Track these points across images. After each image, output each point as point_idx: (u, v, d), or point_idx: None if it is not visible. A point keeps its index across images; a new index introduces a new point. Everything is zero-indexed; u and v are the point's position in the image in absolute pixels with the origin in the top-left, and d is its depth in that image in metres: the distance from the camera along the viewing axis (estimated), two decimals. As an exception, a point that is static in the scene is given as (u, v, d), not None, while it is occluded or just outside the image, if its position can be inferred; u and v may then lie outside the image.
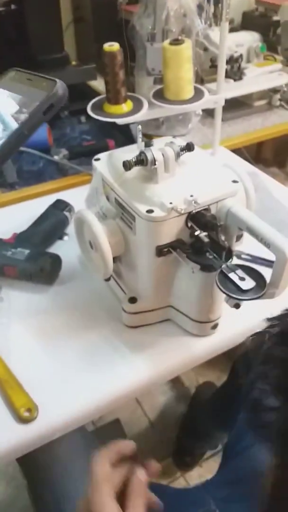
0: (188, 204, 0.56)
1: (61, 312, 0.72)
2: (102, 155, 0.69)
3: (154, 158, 0.58)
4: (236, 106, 1.31)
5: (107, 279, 0.70)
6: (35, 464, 0.75)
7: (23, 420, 0.57)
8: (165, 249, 0.59)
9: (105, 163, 0.67)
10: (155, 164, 0.58)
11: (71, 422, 0.59)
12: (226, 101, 0.92)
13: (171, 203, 0.55)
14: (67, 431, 0.60)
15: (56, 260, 0.75)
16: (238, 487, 0.63)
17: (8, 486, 1.27)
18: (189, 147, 0.60)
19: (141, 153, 0.58)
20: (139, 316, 0.67)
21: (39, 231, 0.81)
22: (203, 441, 1.16)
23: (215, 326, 0.66)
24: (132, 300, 0.66)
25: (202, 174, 0.62)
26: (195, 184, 0.59)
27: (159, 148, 0.59)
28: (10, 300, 0.73)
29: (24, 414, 0.57)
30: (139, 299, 0.66)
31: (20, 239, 0.78)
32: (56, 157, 1.06)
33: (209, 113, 1.25)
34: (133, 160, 0.58)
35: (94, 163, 0.68)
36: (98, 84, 1.32)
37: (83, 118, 1.28)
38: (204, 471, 1.28)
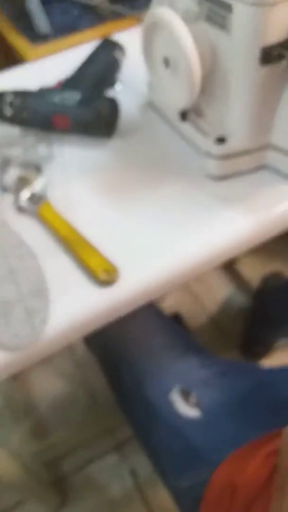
0: None
1: (126, 167, 0.58)
2: None
3: None
4: None
5: (184, 117, 0.55)
6: (107, 344, 0.67)
7: (102, 283, 0.46)
8: (275, 53, 0.43)
9: None
10: None
11: (155, 287, 0.49)
12: None
13: None
14: (150, 298, 0.49)
15: (114, 104, 0.60)
16: None
17: (67, 383, 1.25)
18: None
19: None
20: (229, 162, 0.53)
21: (88, 74, 0.65)
22: (277, 329, 1.08)
23: None
24: (220, 140, 0.52)
25: None
26: None
27: None
28: (64, 157, 0.60)
29: (102, 276, 0.46)
30: (229, 137, 0.51)
31: (67, 85, 0.63)
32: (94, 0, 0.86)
33: None
34: None
35: None
36: None
37: None
38: (273, 361, 1.21)
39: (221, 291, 1.36)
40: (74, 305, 0.46)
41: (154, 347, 0.63)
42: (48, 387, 1.25)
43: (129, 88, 0.67)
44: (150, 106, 0.64)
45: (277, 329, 1.09)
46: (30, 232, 0.51)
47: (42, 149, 0.60)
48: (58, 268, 0.48)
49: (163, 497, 1.08)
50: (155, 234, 0.51)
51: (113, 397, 0.69)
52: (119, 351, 0.65)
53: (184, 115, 0.54)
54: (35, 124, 0.60)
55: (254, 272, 1.35)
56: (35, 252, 0.48)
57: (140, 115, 0.64)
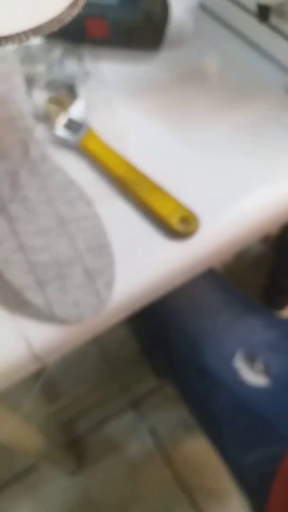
0: None
1: (184, 85, 0.46)
2: None
3: None
4: None
5: (265, 16, 0.42)
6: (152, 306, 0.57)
7: (178, 235, 0.36)
8: None
9: None
10: None
11: (240, 237, 0.39)
12: None
13: None
14: (234, 250, 0.40)
15: (165, 3, 0.46)
16: None
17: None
18: None
19: None
20: None
21: None
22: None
23: None
24: None
25: None
26: None
27: None
28: (103, 75, 0.47)
29: (178, 227, 0.36)
30: None
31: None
32: None
33: None
34: None
35: None
36: None
37: None
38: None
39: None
40: (143, 263, 0.36)
41: (210, 306, 0.54)
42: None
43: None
44: (204, 9, 0.51)
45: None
46: (74, 170, 0.39)
47: (72, 65, 0.47)
48: (118, 218, 0.37)
49: (185, 454, 1.05)
50: (235, 170, 0.40)
51: (128, 353, 0.60)
52: (167, 312, 0.55)
53: (265, 14, 0.41)
54: (63, 32, 0.47)
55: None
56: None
57: (191, 19, 0.51)
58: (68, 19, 0.26)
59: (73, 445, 1.09)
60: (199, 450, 1.02)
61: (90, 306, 0.33)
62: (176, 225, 0.36)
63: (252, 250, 1.26)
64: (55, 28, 0.26)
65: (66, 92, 0.45)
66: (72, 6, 0.26)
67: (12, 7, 0.25)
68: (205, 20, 0.50)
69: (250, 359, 0.52)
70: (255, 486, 0.52)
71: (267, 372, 0.51)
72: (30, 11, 0.25)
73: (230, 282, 1.20)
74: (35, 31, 0.25)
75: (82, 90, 0.45)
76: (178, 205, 0.37)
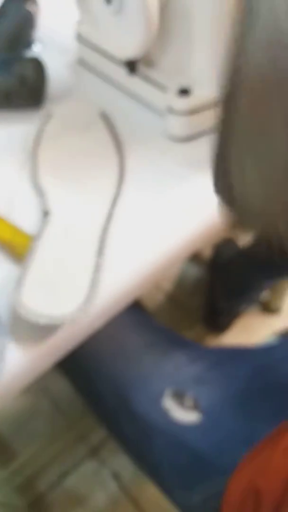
0: None
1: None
2: None
3: None
4: None
5: (132, 69, 0.44)
6: (76, 358, 0.55)
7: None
8: None
9: None
10: None
11: (142, 281, 0.39)
12: None
13: None
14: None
15: (39, 64, 0.47)
16: None
17: (27, 395, 1.12)
18: None
19: None
20: (194, 118, 0.44)
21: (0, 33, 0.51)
22: (238, 297, 1.03)
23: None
24: (183, 92, 0.42)
25: None
26: None
27: None
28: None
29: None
30: (194, 87, 0.42)
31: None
32: None
33: None
34: None
35: None
36: None
37: None
38: (239, 330, 1.18)
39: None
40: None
41: (133, 349, 0.54)
42: (6, 403, 1.12)
43: (52, 46, 0.55)
44: (82, 63, 0.52)
45: (239, 297, 1.04)
46: None
47: None
48: None
49: (151, 494, 1.01)
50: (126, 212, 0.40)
51: (80, 401, 0.59)
52: (89, 361, 0.54)
53: (132, 67, 0.43)
54: None
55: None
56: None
57: (70, 76, 0.52)
58: None
59: (35, 506, 1.03)
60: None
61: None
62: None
63: (190, 274, 1.28)
64: None
65: None
66: None
67: None
68: (85, 74, 0.52)
69: (179, 397, 0.52)
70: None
71: (197, 406, 0.51)
72: None
73: (172, 310, 1.21)
74: None
75: None
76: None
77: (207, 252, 1.25)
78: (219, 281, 1.09)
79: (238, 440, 0.49)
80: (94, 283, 0.35)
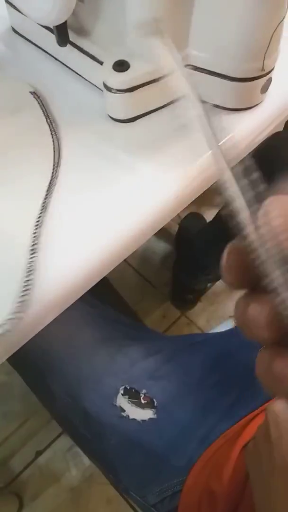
0: None
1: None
2: None
3: None
4: None
5: (61, 40, 0.38)
6: (28, 355, 0.52)
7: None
8: None
9: None
10: None
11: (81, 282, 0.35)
12: None
13: None
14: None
15: None
16: None
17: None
18: None
19: None
20: (136, 95, 0.38)
21: None
22: (204, 272, 1.00)
23: (266, 87, 0.39)
24: (121, 65, 0.36)
25: None
26: None
27: None
28: None
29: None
30: (131, 59, 0.36)
31: None
32: None
33: None
34: None
35: None
36: None
37: None
38: (205, 305, 1.16)
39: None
40: None
41: (84, 345, 0.51)
42: None
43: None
44: (15, 32, 0.46)
45: (205, 273, 1.01)
46: None
47: None
48: None
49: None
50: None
51: None
52: (41, 360, 0.51)
53: (61, 37, 0.37)
54: None
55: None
56: None
57: (3, 45, 0.46)
58: None
59: (11, 486, 1.03)
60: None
61: None
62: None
63: (158, 249, 1.24)
64: None
65: None
66: None
67: None
68: (19, 45, 0.45)
69: (134, 394, 0.49)
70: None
71: (151, 403, 0.49)
72: None
73: (142, 288, 1.18)
74: None
75: None
76: None
77: (175, 227, 1.21)
78: (185, 256, 1.06)
79: (194, 436, 0.47)
80: (27, 286, 0.31)
